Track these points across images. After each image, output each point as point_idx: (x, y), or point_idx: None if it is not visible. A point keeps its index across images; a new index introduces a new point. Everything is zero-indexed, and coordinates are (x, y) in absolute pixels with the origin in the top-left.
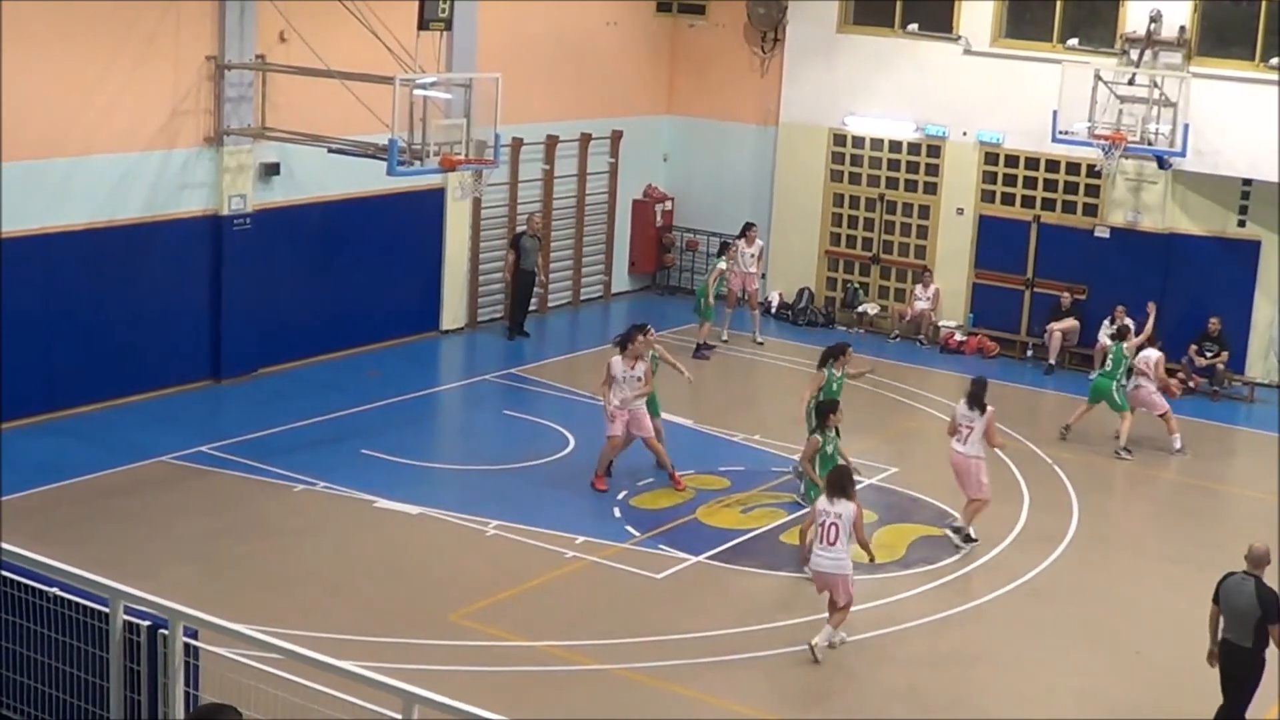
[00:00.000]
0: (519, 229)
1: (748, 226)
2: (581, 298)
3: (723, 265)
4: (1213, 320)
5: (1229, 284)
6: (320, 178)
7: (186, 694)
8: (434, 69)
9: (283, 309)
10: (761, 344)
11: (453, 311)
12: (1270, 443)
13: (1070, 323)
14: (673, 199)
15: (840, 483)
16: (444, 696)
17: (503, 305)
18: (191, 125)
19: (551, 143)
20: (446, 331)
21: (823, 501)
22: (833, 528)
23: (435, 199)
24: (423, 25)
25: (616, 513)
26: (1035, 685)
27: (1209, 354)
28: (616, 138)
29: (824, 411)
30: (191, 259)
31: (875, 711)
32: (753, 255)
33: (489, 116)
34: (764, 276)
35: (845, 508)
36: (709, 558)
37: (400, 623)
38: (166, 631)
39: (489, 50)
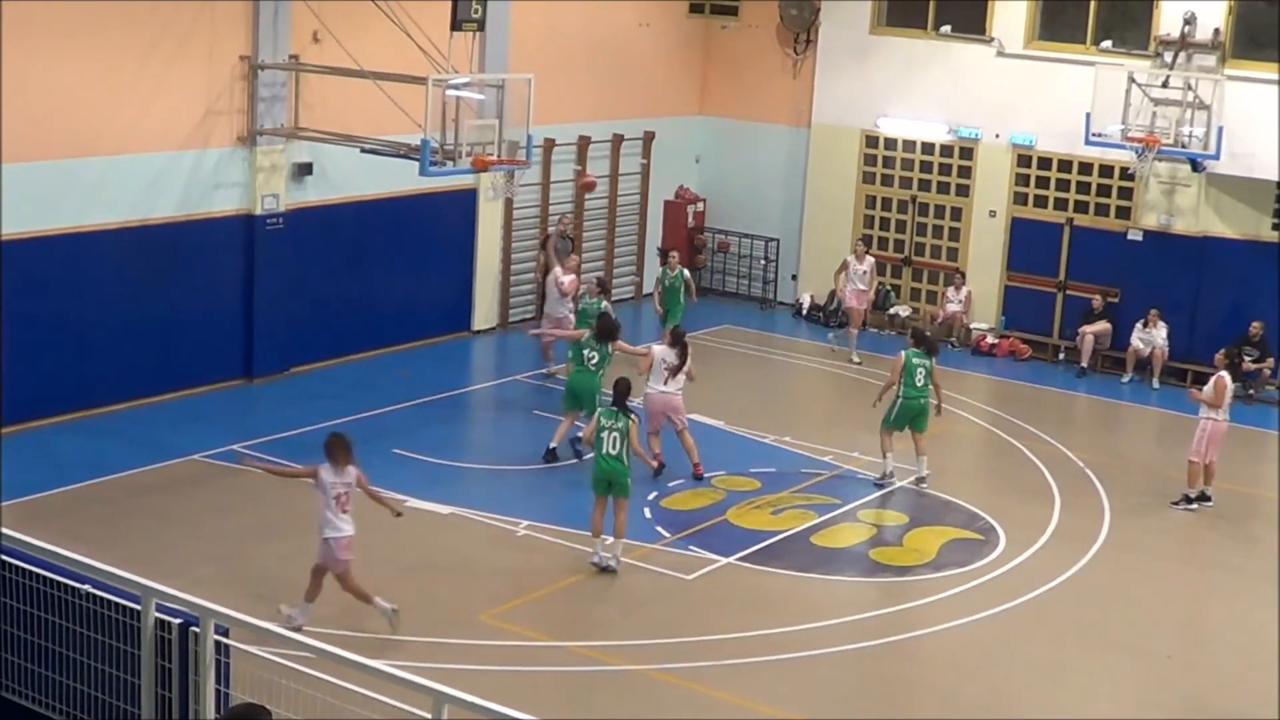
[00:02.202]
0: (550, 229)
1: (861, 239)
2: (614, 298)
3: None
4: (1255, 324)
5: (1263, 287)
6: (353, 178)
7: (217, 691)
8: (466, 69)
9: (315, 308)
10: (859, 363)
11: (484, 312)
12: None
13: (1102, 325)
14: (705, 200)
15: (338, 449)
16: (474, 696)
17: (534, 306)
18: (225, 125)
19: (584, 143)
20: (478, 332)
21: (329, 472)
22: (345, 496)
23: (467, 199)
24: (455, 26)
25: (647, 513)
26: (1066, 689)
27: (1250, 358)
28: (649, 139)
29: (622, 391)
30: (224, 258)
31: (905, 714)
32: (864, 272)
33: (521, 117)
34: (783, 279)
35: (351, 474)
36: (739, 559)
37: (431, 622)
38: (198, 629)
39: (521, 51)
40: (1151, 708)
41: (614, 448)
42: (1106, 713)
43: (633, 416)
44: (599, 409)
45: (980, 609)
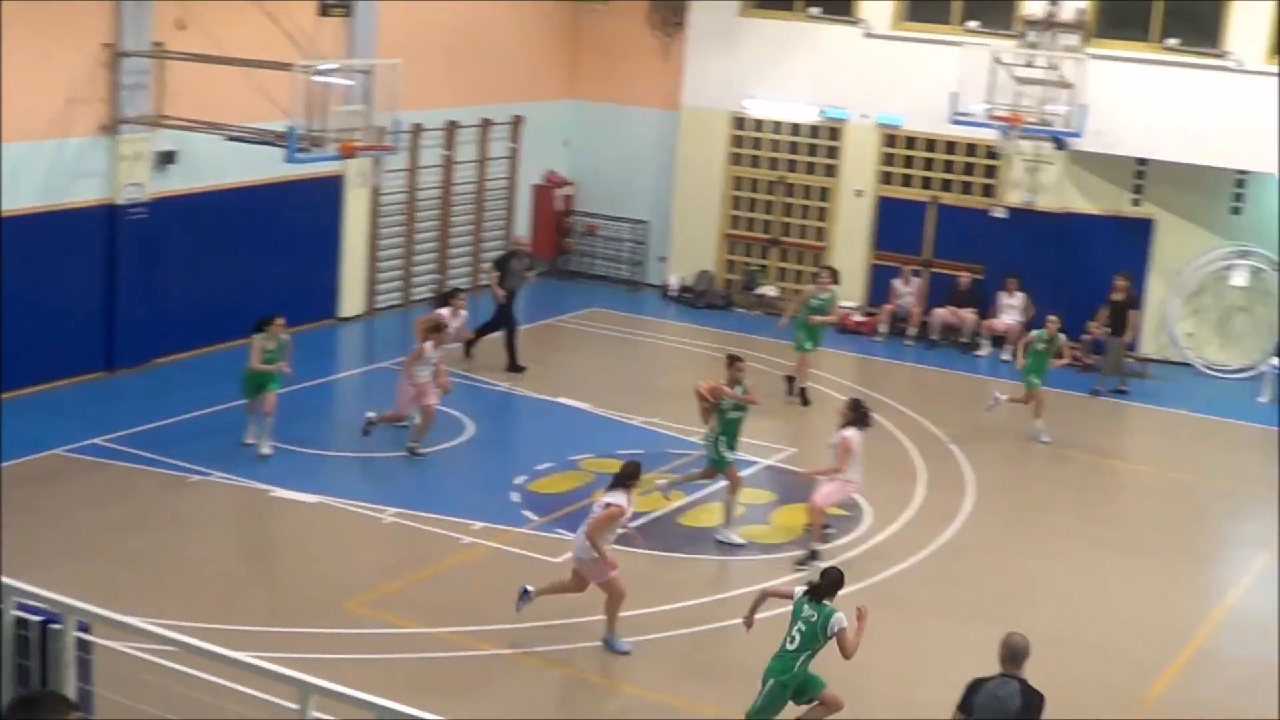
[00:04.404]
0: (508, 249)
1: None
2: (480, 283)
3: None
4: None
5: (1123, 262)
6: (218, 166)
7: (80, 689)
8: (334, 55)
9: (180, 298)
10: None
11: (351, 299)
12: (1162, 418)
13: (969, 313)
14: (574, 184)
15: None
16: (341, 686)
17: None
18: (87, 113)
19: (451, 129)
20: (345, 319)
21: None
22: None
23: (334, 186)
24: (323, 11)
25: (515, 497)
26: (931, 661)
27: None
28: (517, 123)
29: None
30: (86, 249)
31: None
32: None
33: (389, 103)
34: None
35: None
36: None
37: (298, 612)
38: (59, 626)
39: (390, 36)
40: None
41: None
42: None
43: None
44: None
45: (845, 584)
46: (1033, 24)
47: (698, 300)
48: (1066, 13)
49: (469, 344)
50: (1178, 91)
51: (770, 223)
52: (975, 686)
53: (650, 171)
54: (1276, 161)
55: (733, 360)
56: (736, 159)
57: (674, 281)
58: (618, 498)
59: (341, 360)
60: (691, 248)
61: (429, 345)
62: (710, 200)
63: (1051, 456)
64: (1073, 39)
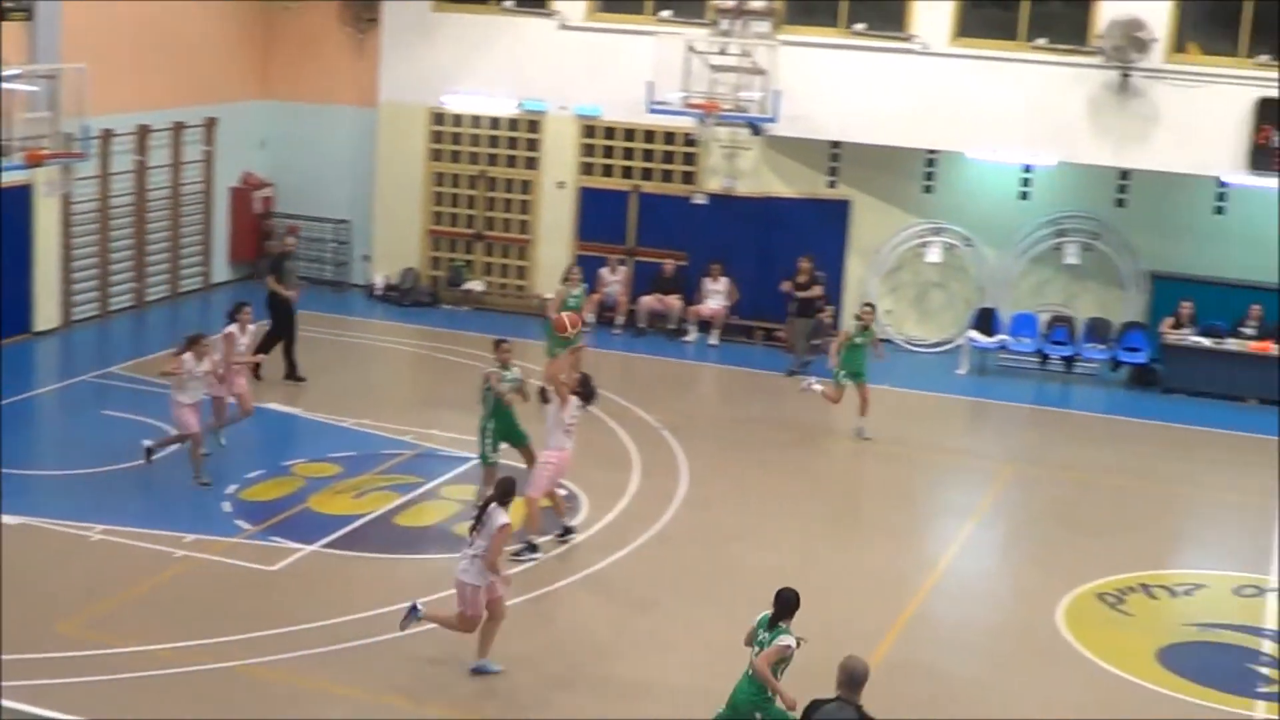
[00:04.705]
0: (279, 248)
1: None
2: (180, 289)
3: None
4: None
5: (822, 243)
6: None
7: None
8: (16, 60)
9: None
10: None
11: (46, 312)
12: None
13: (673, 300)
14: (273, 185)
15: None
16: (54, 711)
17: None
18: None
19: (143, 133)
20: (40, 333)
21: None
22: None
23: (22, 196)
24: (2, 15)
25: (226, 507)
26: (653, 646)
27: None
28: (211, 125)
29: None
30: None
31: (495, 687)
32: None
33: (76, 108)
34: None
35: None
36: (324, 546)
37: (6, 639)
38: None
39: (74, 39)
40: (736, 654)
41: None
42: (701, 663)
43: None
44: None
45: (566, 575)
46: (724, 12)
47: (404, 298)
48: (756, 1)
49: (256, 365)
50: (867, 75)
51: (474, 217)
52: (813, 708)
53: (350, 170)
54: (964, 140)
55: (498, 343)
56: (437, 155)
57: (379, 280)
58: (504, 516)
59: (39, 376)
60: (395, 246)
61: (188, 356)
62: (412, 197)
63: (762, 439)
64: (764, 26)
